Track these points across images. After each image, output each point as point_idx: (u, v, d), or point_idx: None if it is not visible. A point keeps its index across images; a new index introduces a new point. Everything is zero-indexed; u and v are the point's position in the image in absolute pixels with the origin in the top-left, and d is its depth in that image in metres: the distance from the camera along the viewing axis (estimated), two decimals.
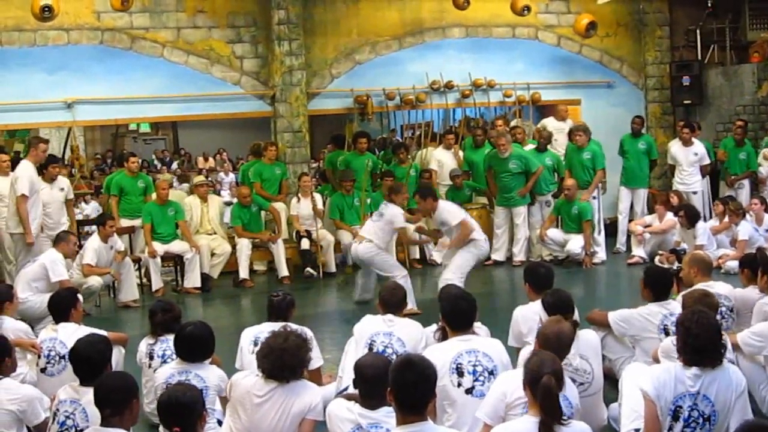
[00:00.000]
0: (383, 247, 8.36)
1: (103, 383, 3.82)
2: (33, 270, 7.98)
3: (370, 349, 5.09)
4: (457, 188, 11.08)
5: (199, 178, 12.64)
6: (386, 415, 3.76)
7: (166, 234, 9.98)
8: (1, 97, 10.24)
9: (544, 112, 12.95)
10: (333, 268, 10.59)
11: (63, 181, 9.69)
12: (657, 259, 9.55)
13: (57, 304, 5.71)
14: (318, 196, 11.05)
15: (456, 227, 8.16)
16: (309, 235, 10.48)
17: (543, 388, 3.50)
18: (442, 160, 11.52)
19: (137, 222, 10.15)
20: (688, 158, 11.21)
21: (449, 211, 8.22)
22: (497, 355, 4.49)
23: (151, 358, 5.36)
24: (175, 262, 10.16)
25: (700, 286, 5.64)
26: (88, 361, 4.35)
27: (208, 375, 4.70)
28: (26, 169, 8.92)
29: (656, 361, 4.78)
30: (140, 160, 12.81)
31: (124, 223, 10.15)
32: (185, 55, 11.02)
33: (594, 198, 10.70)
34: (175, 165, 21.62)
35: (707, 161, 11.35)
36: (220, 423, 4.52)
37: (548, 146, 11.16)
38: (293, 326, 4.61)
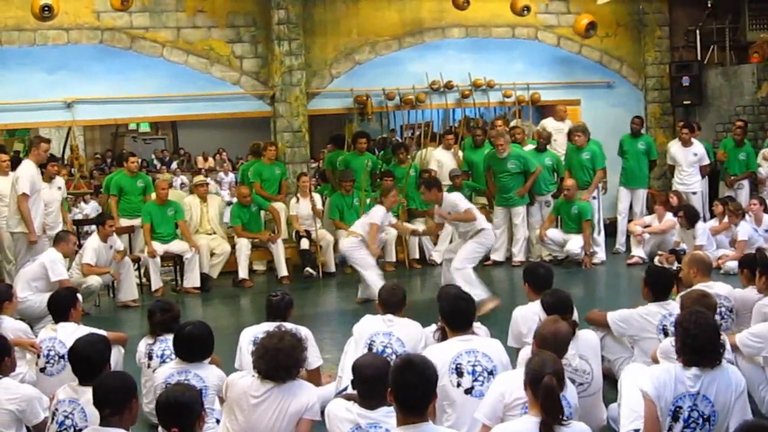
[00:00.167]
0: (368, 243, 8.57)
1: (102, 383, 3.82)
2: (32, 269, 7.99)
3: (370, 349, 5.09)
4: (457, 188, 11.04)
5: (199, 178, 12.64)
6: (385, 415, 3.76)
7: (166, 234, 9.98)
8: (1, 96, 10.23)
9: (544, 113, 12.94)
10: (332, 268, 10.60)
11: (60, 180, 9.71)
12: (656, 259, 9.54)
13: (56, 304, 5.71)
14: (317, 196, 11.05)
15: (463, 213, 8.18)
16: (308, 235, 10.49)
17: (544, 388, 3.50)
18: (442, 160, 11.52)
19: (137, 222, 10.15)
20: (688, 158, 11.22)
21: (455, 200, 8.26)
22: (497, 356, 4.49)
23: (150, 358, 5.36)
24: (175, 261, 10.16)
25: (699, 286, 5.65)
26: (87, 361, 4.35)
27: (207, 375, 4.70)
28: (28, 168, 8.92)
29: (655, 361, 4.78)
30: (140, 160, 12.81)
31: (124, 222, 10.15)
32: (185, 54, 11.03)
33: (594, 198, 10.70)
34: (174, 165, 21.63)
35: (707, 162, 11.35)
36: (219, 422, 4.52)
37: (547, 146, 11.16)
38: (288, 326, 4.61)
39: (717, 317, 5.28)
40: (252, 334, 5.25)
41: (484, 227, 8.26)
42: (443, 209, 8.33)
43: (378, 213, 8.73)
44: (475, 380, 4.38)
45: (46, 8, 9.94)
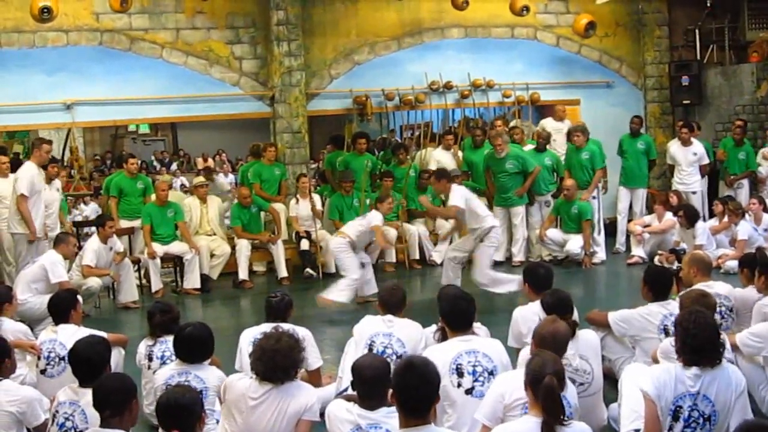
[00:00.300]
0: (357, 246, 8.60)
1: (102, 385, 3.82)
2: (33, 271, 7.99)
3: (370, 349, 5.09)
4: None
5: (199, 179, 12.63)
6: (385, 415, 3.75)
7: (166, 235, 9.98)
8: (1, 98, 10.23)
9: (544, 113, 12.94)
10: (332, 269, 10.56)
11: (58, 183, 9.73)
12: (656, 259, 9.54)
13: (57, 306, 5.71)
14: (317, 197, 11.05)
15: (462, 210, 8.26)
16: (308, 235, 10.49)
17: (545, 388, 3.49)
18: (442, 160, 11.51)
19: (137, 223, 10.15)
20: (687, 158, 11.22)
21: (453, 193, 8.28)
22: (497, 356, 4.49)
23: (150, 359, 5.36)
24: (175, 263, 10.16)
25: (699, 286, 5.65)
26: (87, 363, 4.35)
27: (207, 376, 4.70)
28: (28, 169, 8.95)
29: (655, 361, 4.78)
30: (139, 162, 12.81)
31: (124, 224, 10.15)
32: (184, 56, 11.03)
33: (594, 198, 10.70)
34: (174, 166, 21.64)
35: (706, 161, 11.36)
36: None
37: (547, 146, 11.16)
38: (285, 326, 4.60)
39: (717, 317, 5.28)
40: (252, 335, 5.23)
41: (493, 224, 8.33)
42: (449, 201, 8.42)
43: (377, 217, 8.73)
44: (476, 380, 4.38)
45: (46, 10, 9.94)
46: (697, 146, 11.28)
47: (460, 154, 11.66)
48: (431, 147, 12.11)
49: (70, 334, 5.34)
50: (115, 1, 10.20)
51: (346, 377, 5.06)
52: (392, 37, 11.94)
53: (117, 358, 5.42)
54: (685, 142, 11.24)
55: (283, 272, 10.24)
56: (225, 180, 13.64)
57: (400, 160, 11.55)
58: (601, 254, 10.55)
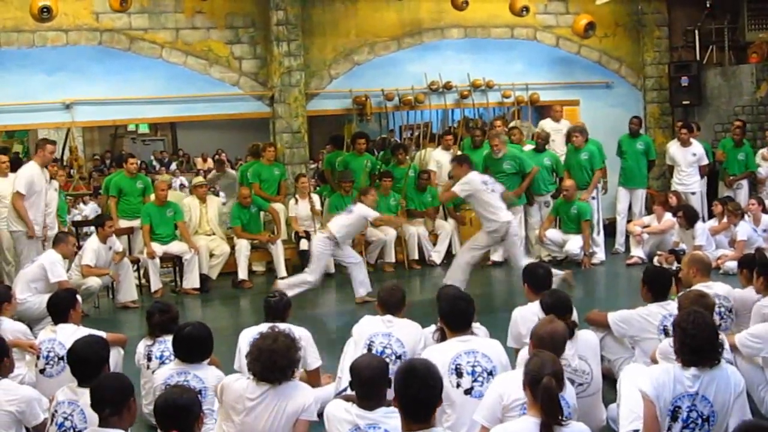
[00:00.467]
0: (341, 241, 8.73)
1: (99, 385, 3.82)
2: (32, 271, 7.98)
3: (369, 349, 5.09)
4: None
5: (198, 179, 12.64)
6: (384, 415, 3.76)
7: (165, 235, 9.98)
8: (0, 98, 10.23)
9: (543, 113, 12.95)
10: (332, 269, 10.57)
11: (56, 183, 9.73)
12: (656, 259, 9.54)
13: (56, 305, 5.70)
14: (316, 197, 11.05)
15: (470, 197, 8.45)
16: (307, 235, 10.47)
17: (544, 389, 3.49)
18: (441, 160, 11.53)
19: (136, 223, 10.15)
20: (687, 159, 11.22)
21: (463, 182, 8.37)
22: (496, 356, 4.50)
23: (149, 359, 5.36)
24: (174, 262, 10.16)
25: (699, 286, 5.65)
26: (85, 362, 4.35)
27: (206, 376, 4.71)
28: (29, 169, 8.98)
29: (654, 362, 4.78)
30: (139, 161, 12.81)
31: (123, 223, 10.15)
32: (184, 55, 11.03)
33: (593, 198, 10.70)
34: (173, 166, 21.65)
35: (706, 162, 11.36)
36: None
37: (546, 146, 11.16)
38: (281, 326, 4.59)
39: (716, 317, 5.29)
40: (251, 335, 5.22)
41: (508, 219, 8.36)
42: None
43: (369, 211, 8.87)
44: (475, 381, 4.38)
45: (45, 9, 9.94)
46: (697, 147, 11.28)
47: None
48: (431, 147, 12.12)
49: (69, 334, 5.34)
50: (115, 0, 10.19)
51: (345, 377, 5.05)
52: (392, 38, 11.94)
53: (116, 358, 5.42)
54: (685, 143, 11.24)
55: (282, 272, 10.23)
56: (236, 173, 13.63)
57: (399, 161, 11.55)
58: (600, 255, 10.55)
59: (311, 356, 5.34)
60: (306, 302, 8.81)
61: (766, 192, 11.35)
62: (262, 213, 10.68)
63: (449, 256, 11.08)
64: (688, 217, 9.43)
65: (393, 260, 10.80)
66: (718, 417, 3.90)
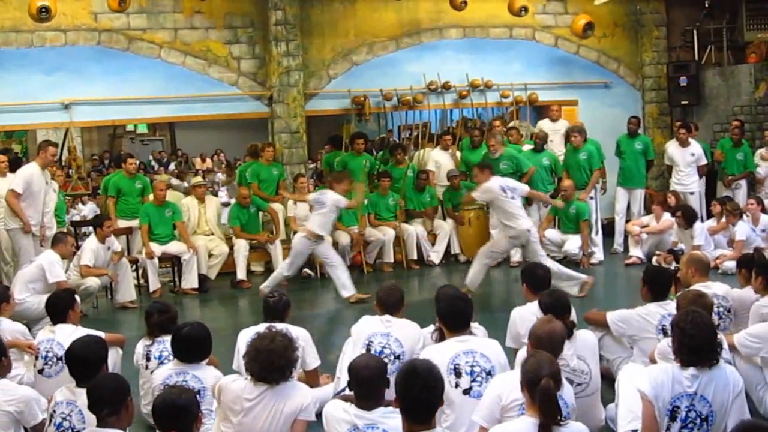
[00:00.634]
0: (323, 236, 8.95)
1: (96, 385, 3.82)
2: (30, 271, 7.98)
3: (368, 349, 5.09)
4: (455, 189, 11.08)
5: (197, 179, 12.63)
6: (382, 415, 3.76)
7: (164, 235, 9.98)
8: None
9: (542, 113, 12.95)
10: None
11: (55, 184, 9.73)
12: (654, 259, 9.55)
13: (54, 306, 5.70)
14: None
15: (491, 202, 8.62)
16: None
17: (542, 390, 3.50)
18: (440, 160, 11.53)
19: (134, 223, 10.14)
20: (685, 159, 11.22)
21: (484, 187, 8.42)
22: (495, 356, 4.50)
23: (148, 359, 5.36)
24: (173, 263, 10.15)
25: (697, 286, 5.65)
26: (84, 363, 4.35)
27: (205, 376, 4.70)
28: (28, 169, 8.98)
29: (653, 362, 4.78)
30: (138, 161, 12.79)
31: (122, 224, 10.15)
32: (182, 56, 11.02)
33: (591, 198, 10.70)
34: (172, 166, 21.61)
35: (704, 162, 11.36)
36: None
37: (545, 146, 11.16)
38: (279, 326, 4.59)
39: (715, 317, 5.29)
40: (250, 335, 5.22)
41: (527, 227, 8.36)
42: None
43: (340, 198, 8.94)
44: (474, 381, 4.38)
45: (44, 10, 9.94)
46: (695, 147, 11.28)
47: (458, 154, 11.65)
48: (429, 147, 12.11)
49: (67, 334, 5.33)
50: (113, 0, 10.19)
51: (343, 377, 5.05)
52: (390, 38, 11.94)
53: (115, 358, 5.42)
54: (683, 143, 11.24)
55: None
56: None
57: (397, 161, 11.55)
58: (599, 254, 10.55)
59: (310, 356, 5.34)
60: (305, 302, 8.81)
61: (765, 192, 11.36)
62: (260, 213, 10.67)
63: (448, 256, 11.11)
64: (687, 217, 9.44)
65: (392, 260, 10.80)
66: (716, 417, 3.91)
